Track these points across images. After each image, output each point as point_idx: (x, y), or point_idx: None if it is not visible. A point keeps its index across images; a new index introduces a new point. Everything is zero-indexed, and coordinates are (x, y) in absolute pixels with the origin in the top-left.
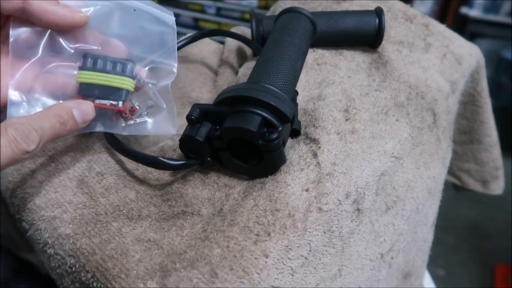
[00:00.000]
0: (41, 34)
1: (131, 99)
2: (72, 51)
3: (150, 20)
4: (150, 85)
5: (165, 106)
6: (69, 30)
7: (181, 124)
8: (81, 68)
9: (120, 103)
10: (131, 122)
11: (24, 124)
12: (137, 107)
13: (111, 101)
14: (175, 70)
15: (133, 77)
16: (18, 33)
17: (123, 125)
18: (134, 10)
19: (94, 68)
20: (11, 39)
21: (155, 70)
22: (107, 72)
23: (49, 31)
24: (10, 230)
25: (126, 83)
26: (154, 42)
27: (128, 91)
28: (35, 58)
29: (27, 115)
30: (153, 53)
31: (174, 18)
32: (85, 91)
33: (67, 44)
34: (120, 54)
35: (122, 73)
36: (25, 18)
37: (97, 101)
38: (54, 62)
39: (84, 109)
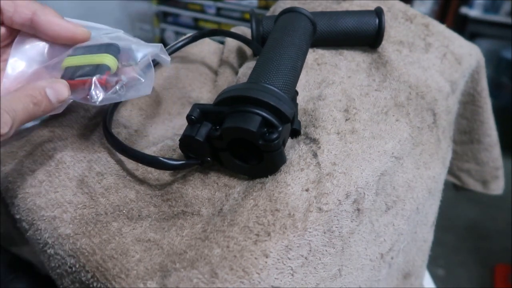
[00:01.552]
0: (42, 48)
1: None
2: None
3: (139, 43)
4: (131, 66)
5: (143, 79)
6: (70, 44)
7: (181, 124)
8: (68, 55)
9: (98, 76)
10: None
11: None
12: (113, 84)
13: (89, 76)
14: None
15: (116, 56)
16: (21, 45)
17: (99, 98)
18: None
19: (79, 53)
20: (13, 50)
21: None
22: (91, 54)
23: (48, 46)
24: (10, 230)
25: (108, 59)
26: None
27: (108, 66)
28: (34, 70)
29: None
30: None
31: (161, 45)
32: (68, 73)
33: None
34: None
35: (105, 51)
36: (31, 32)
37: (77, 79)
38: (51, 75)
39: (58, 88)
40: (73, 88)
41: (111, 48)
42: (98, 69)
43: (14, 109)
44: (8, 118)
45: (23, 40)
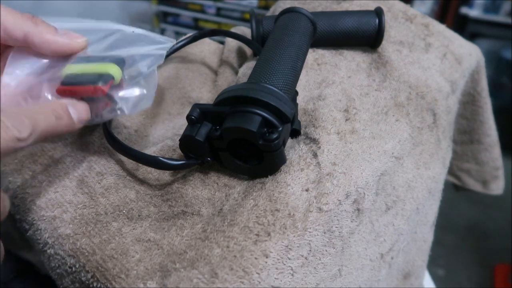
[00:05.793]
0: (39, 60)
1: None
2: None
3: (147, 40)
4: (135, 80)
5: (145, 91)
6: (69, 56)
7: (181, 124)
8: (70, 63)
9: (100, 83)
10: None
11: (16, 112)
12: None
13: (91, 84)
14: (162, 57)
15: (122, 68)
16: (17, 59)
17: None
18: (133, 31)
19: (83, 62)
20: (8, 62)
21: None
22: (94, 62)
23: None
24: (10, 230)
25: (112, 68)
26: (147, 53)
27: (112, 76)
28: (33, 81)
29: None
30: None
31: (174, 41)
32: (68, 79)
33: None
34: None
35: (110, 61)
36: (26, 46)
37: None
38: (49, 84)
39: (79, 107)
40: (73, 95)
41: (116, 60)
42: (101, 77)
43: (35, 118)
44: (28, 124)
45: (19, 53)
